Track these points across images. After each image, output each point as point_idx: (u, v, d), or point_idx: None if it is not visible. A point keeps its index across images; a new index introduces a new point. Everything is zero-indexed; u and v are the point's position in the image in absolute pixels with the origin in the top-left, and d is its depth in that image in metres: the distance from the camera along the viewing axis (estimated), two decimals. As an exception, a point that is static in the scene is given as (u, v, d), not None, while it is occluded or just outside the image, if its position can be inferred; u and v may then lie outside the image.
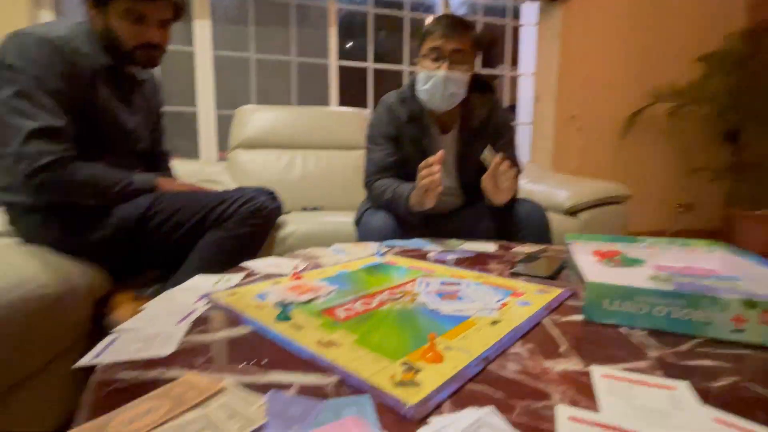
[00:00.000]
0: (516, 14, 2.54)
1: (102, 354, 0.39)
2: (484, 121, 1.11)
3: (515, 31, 2.55)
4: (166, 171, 1.15)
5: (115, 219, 0.89)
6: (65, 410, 0.76)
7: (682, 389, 0.32)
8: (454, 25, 0.99)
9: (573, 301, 0.55)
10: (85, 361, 0.38)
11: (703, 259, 0.73)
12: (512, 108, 2.80)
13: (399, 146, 1.11)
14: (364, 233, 1.05)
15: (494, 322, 0.46)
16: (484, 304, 0.51)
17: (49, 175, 0.78)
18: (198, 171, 1.69)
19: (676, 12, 2.52)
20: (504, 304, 0.52)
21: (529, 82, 2.54)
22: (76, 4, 1.99)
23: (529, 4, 2.45)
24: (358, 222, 1.16)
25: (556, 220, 1.38)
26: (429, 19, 1.04)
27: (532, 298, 0.54)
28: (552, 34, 2.42)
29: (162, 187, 0.97)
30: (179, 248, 0.96)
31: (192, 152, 2.09)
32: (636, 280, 0.61)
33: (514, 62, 2.66)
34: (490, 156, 0.96)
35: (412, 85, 1.09)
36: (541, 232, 1.05)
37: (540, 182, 1.72)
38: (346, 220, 1.28)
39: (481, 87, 1.12)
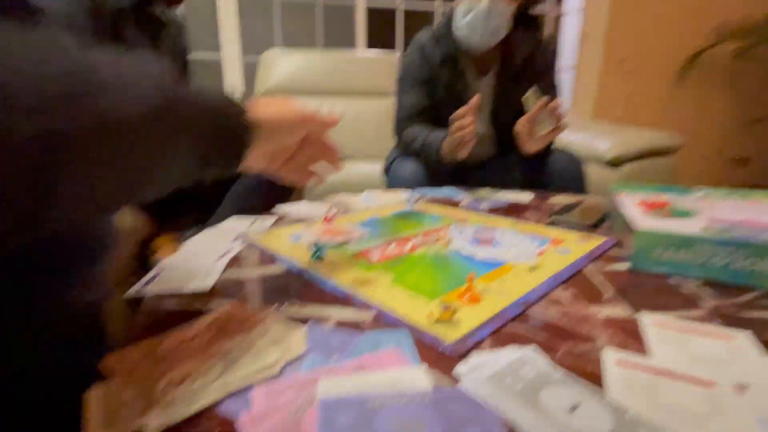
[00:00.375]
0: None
1: (147, 286, 0.40)
2: (527, 62, 1.01)
3: (563, -40, 2.28)
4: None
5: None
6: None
7: (743, 339, 0.30)
8: None
9: (618, 250, 0.52)
10: (132, 292, 0.40)
11: (764, 212, 0.67)
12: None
13: (432, 90, 1.04)
14: (393, 182, 1.03)
15: (532, 269, 0.44)
16: (521, 250, 0.49)
17: None
18: (226, 119, 1.68)
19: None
20: (542, 252, 0.50)
21: (575, 21, 2.30)
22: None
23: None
24: (387, 170, 1.14)
25: (595, 173, 1.30)
26: None
27: (572, 246, 0.52)
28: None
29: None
30: (215, 192, 0.98)
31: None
32: (687, 231, 0.57)
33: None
34: (534, 98, 0.88)
35: (449, 22, 1.00)
36: (576, 186, 0.99)
37: (579, 131, 1.61)
38: (374, 168, 1.26)
39: (526, 22, 1.01)
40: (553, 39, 2.48)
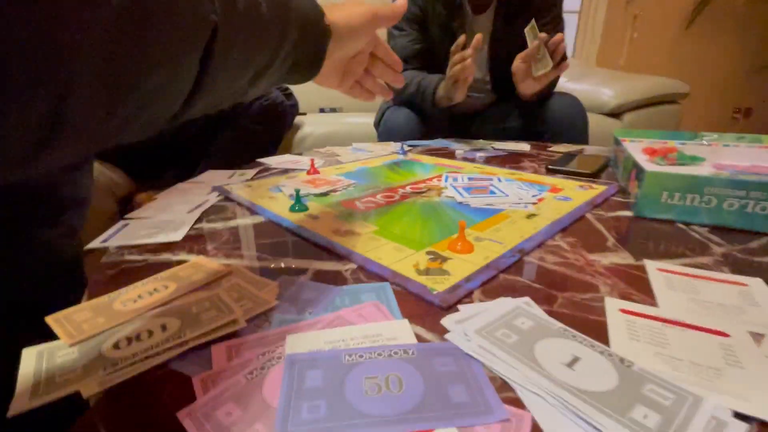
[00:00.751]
0: None
1: (111, 238, 0.37)
2: None
3: None
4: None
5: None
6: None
7: (756, 286, 0.28)
8: None
9: (619, 197, 0.49)
10: (95, 244, 0.36)
11: (774, 157, 0.64)
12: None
13: (425, 30, 0.95)
14: (385, 131, 0.97)
15: (530, 216, 0.41)
16: (518, 198, 0.46)
17: None
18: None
19: None
20: (541, 199, 0.46)
21: (583, -43, 2.12)
22: None
23: None
24: (378, 123, 1.08)
25: (595, 122, 1.24)
26: None
27: (572, 194, 0.48)
28: None
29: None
30: (196, 148, 0.92)
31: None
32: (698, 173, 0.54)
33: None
34: (533, 32, 0.80)
35: None
36: (577, 133, 0.94)
37: (581, 80, 1.52)
38: (366, 121, 1.20)
39: None
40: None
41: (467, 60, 0.76)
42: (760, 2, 2.10)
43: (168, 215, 0.43)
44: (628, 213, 0.43)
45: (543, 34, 0.79)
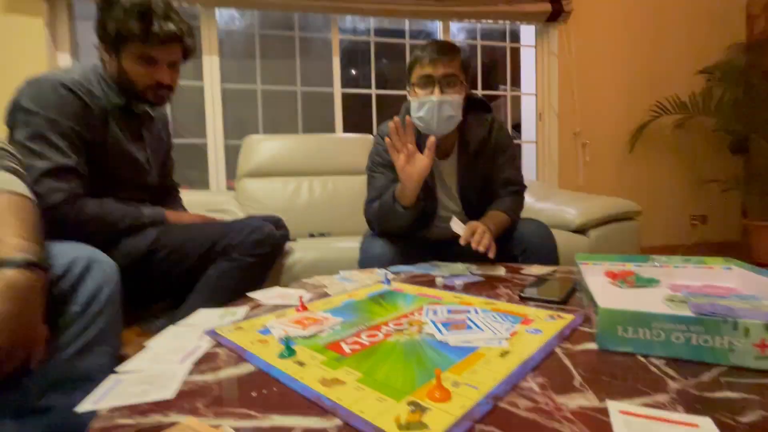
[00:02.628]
0: (514, 37, 2.59)
1: (103, 399, 0.38)
2: (483, 141, 1.09)
3: (514, 52, 2.60)
4: (175, 203, 1.17)
5: (123, 252, 0.90)
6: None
7: (706, 427, 0.30)
8: (442, 49, 0.98)
9: (586, 326, 0.53)
10: (87, 406, 0.37)
11: (720, 277, 0.71)
12: (516, 127, 2.82)
13: (397, 174, 1.10)
14: (364, 260, 1.04)
15: (504, 353, 0.44)
16: (493, 333, 0.50)
17: (60, 212, 0.80)
18: (208, 201, 1.71)
19: (676, 26, 2.55)
20: (513, 333, 0.50)
21: (532, 101, 2.56)
22: (91, 45, 2.09)
23: (527, 26, 2.50)
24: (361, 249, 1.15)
25: (564, 239, 1.35)
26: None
27: (542, 326, 0.52)
28: (550, 55, 2.46)
29: (170, 220, 0.99)
30: (187, 280, 0.96)
31: (202, 182, 2.14)
32: (652, 302, 0.59)
33: (514, 83, 2.70)
34: (457, 227, 0.90)
35: (407, 113, 1.07)
36: (547, 253, 1.03)
37: (547, 200, 1.70)
38: (352, 245, 1.28)
39: (478, 107, 1.12)
40: (514, 117, 2.74)
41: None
42: (683, 131, 2.51)
43: (160, 366, 0.45)
44: (593, 345, 0.46)
45: (465, 228, 0.89)
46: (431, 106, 0.97)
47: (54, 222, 0.81)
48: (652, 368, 0.40)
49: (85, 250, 0.61)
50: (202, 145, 2.10)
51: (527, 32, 2.56)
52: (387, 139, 0.92)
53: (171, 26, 0.85)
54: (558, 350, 0.46)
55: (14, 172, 0.59)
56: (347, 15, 2.21)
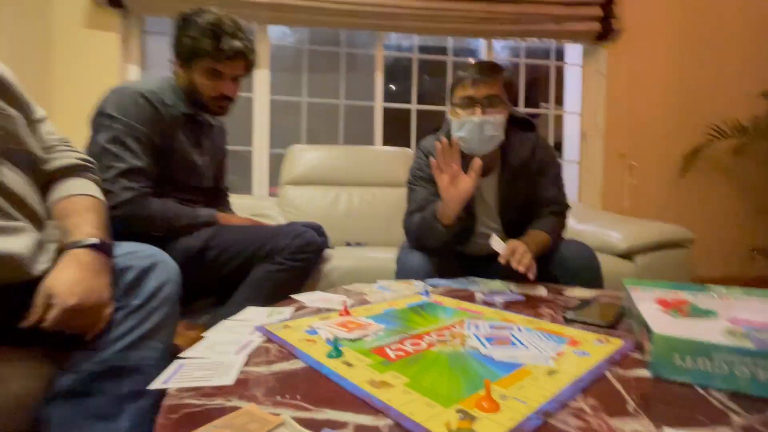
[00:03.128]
0: (559, 55, 2.56)
1: (170, 380, 0.41)
2: (526, 160, 1.08)
3: (558, 70, 2.56)
4: (225, 206, 1.24)
5: (178, 249, 0.96)
6: None
7: (778, 465, 0.29)
8: (484, 70, 0.97)
9: (637, 354, 0.51)
10: (157, 384, 0.40)
11: (787, 313, 0.66)
12: (558, 146, 2.76)
13: (437, 189, 1.10)
14: (401, 272, 1.04)
15: (551, 372, 0.44)
16: (538, 351, 0.49)
17: (129, 208, 0.88)
18: (251, 206, 1.79)
19: (736, 45, 2.41)
20: (560, 353, 0.49)
21: (575, 120, 2.50)
22: (156, 58, 2.27)
23: (573, 44, 2.46)
24: (398, 260, 1.16)
25: (608, 264, 1.30)
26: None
27: (590, 349, 0.51)
28: (597, 74, 2.40)
29: (221, 221, 1.05)
30: (231, 278, 1.01)
31: (245, 188, 2.24)
32: (709, 334, 0.56)
33: (557, 101, 2.65)
34: (497, 245, 0.89)
35: (449, 128, 1.08)
36: (591, 275, 0.99)
37: (589, 222, 1.65)
38: (388, 256, 1.29)
39: (521, 125, 1.11)
40: (556, 135, 2.68)
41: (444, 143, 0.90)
42: (742, 156, 2.35)
43: (218, 355, 0.48)
44: (646, 373, 0.45)
45: (506, 246, 0.87)
46: (472, 126, 0.97)
47: (123, 217, 0.89)
48: (713, 401, 0.39)
49: (151, 250, 0.67)
50: (246, 152, 2.21)
51: (573, 50, 2.52)
52: (432, 159, 0.94)
53: (238, 44, 0.92)
54: (608, 374, 0.44)
55: (95, 181, 0.70)
56: (392, 32, 2.27)
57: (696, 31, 2.40)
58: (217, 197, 1.22)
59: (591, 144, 2.43)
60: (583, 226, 1.63)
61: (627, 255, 1.42)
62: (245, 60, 0.97)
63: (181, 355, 0.48)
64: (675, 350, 0.43)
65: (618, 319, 0.66)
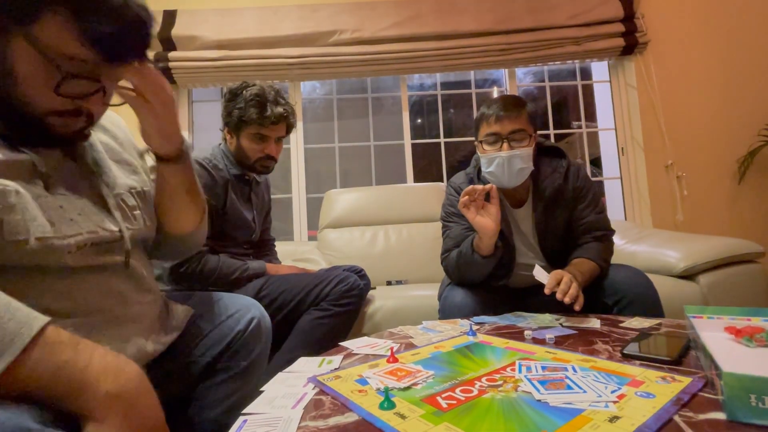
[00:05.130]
0: (585, 73, 2.55)
1: (236, 437, 0.44)
2: (559, 188, 1.06)
3: (586, 88, 2.54)
4: (272, 255, 1.32)
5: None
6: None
7: None
8: (507, 106, 0.98)
9: (708, 392, 0.48)
10: (224, 443, 0.43)
11: None
12: (596, 162, 2.68)
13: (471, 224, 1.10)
14: (445, 310, 1.04)
15: (613, 418, 0.42)
16: (597, 394, 0.47)
17: (190, 266, 0.96)
18: (293, 251, 1.87)
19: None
20: (621, 396, 0.47)
21: (611, 136, 2.44)
22: (201, 122, 2.50)
23: (598, 62, 2.45)
24: (441, 297, 1.16)
25: (667, 287, 1.22)
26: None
27: (654, 389, 0.48)
28: (627, 87, 2.35)
29: (270, 271, 1.11)
30: (281, 326, 1.05)
31: (286, 233, 2.35)
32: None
33: (589, 118, 2.61)
34: (540, 275, 0.87)
35: (477, 166, 1.10)
36: (648, 303, 0.93)
37: (640, 242, 1.56)
38: (430, 293, 1.29)
39: (551, 153, 1.11)
40: (592, 151, 2.61)
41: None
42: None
43: (277, 410, 0.50)
44: (720, 415, 0.42)
45: (549, 276, 0.86)
46: (501, 162, 0.98)
47: (184, 274, 0.97)
48: (803, 447, 0.35)
49: (252, 305, 0.70)
50: (286, 199, 2.34)
51: (599, 67, 2.50)
52: (460, 201, 0.95)
53: (280, 109, 1.03)
54: (677, 418, 0.42)
55: None
56: (415, 74, 2.38)
57: (734, 32, 2.30)
58: (265, 248, 1.30)
59: (631, 158, 2.35)
60: (634, 246, 1.55)
61: (688, 275, 1.32)
62: (286, 122, 1.08)
63: (244, 411, 0.50)
64: (750, 391, 0.40)
65: (684, 352, 0.62)
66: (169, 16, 2.20)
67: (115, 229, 0.57)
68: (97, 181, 0.57)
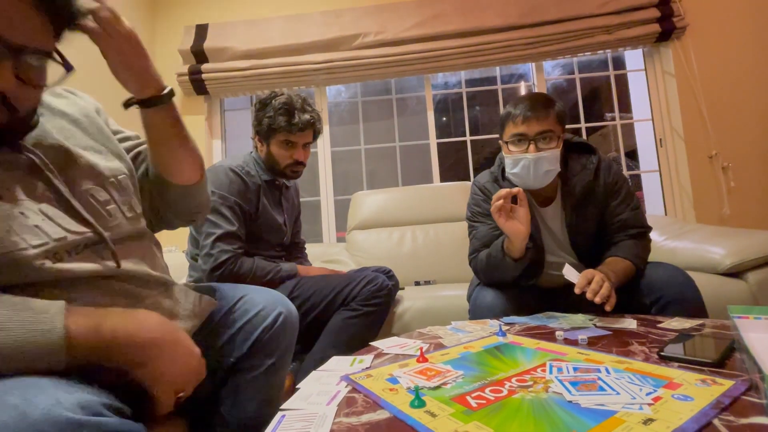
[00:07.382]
0: (617, 63, 2.44)
1: (276, 431, 0.47)
2: (589, 186, 1.02)
3: (619, 78, 2.43)
4: (303, 257, 1.36)
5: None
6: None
7: None
8: (535, 107, 0.94)
9: (752, 396, 0.46)
10: (263, 437, 0.46)
11: None
12: (632, 155, 2.56)
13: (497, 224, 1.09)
14: (475, 310, 1.03)
15: (647, 421, 0.41)
16: (631, 396, 0.47)
17: (226, 269, 1.02)
18: (322, 252, 1.92)
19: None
20: (657, 398, 0.46)
21: (648, 127, 2.33)
22: (233, 130, 2.60)
23: (632, 50, 2.34)
24: (470, 297, 1.16)
25: (711, 285, 1.16)
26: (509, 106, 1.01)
27: (693, 392, 0.47)
28: (665, 75, 2.24)
29: (300, 273, 1.15)
30: (313, 326, 1.09)
31: (315, 234, 2.41)
32: None
33: (624, 108, 2.50)
34: (571, 275, 0.85)
35: (502, 165, 1.08)
36: (690, 302, 0.89)
37: (681, 238, 1.49)
38: (459, 293, 1.29)
39: (580, 149, 1.06)
40: (627, 144, 2.50)
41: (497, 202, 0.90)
42: None
43: (313, 407, 0.53)
44: (764, 420, 0.40)
45: (580, 276, 0.84)
46: (526, 164, 0.95)
47: (221, 277, 1.03)
48: None
49: (280, 299, 0.70)
50: (314, 201, 2.40)
51: (633, 56, 2.39)
52: (494, 205, 0.92)
53: (306, 117, 1.07)
54: (717, 422, 0.41)
55: None
56: (439, 73, 2.37)
57: (779, 10, 2.15)
58: (296, 250, 1.34)
59: (671, 149, 2.23)
60: (675, 243, 1.48)
61: (735, 273, 1.25)
62: (313, 128, 1.13)
63: (282, 407, 0.53)
64: (796, 394, 0.38)
65: (727, 354, 0.59)
66: (202, 30, 2.31)
67: (87, 230, 0.51)
68: (57, 180, 0.50)
